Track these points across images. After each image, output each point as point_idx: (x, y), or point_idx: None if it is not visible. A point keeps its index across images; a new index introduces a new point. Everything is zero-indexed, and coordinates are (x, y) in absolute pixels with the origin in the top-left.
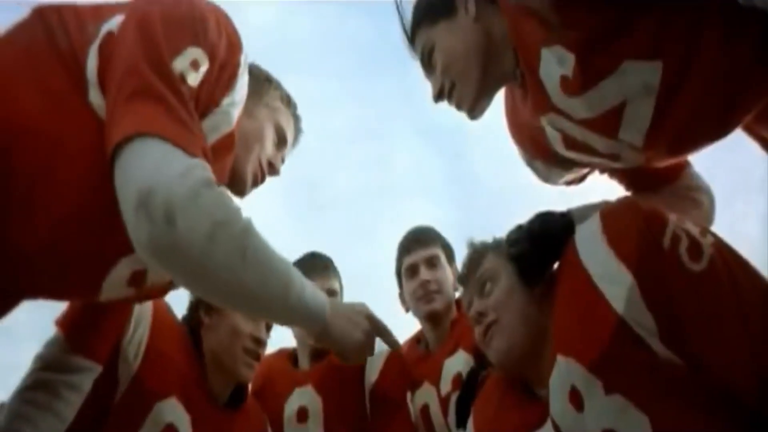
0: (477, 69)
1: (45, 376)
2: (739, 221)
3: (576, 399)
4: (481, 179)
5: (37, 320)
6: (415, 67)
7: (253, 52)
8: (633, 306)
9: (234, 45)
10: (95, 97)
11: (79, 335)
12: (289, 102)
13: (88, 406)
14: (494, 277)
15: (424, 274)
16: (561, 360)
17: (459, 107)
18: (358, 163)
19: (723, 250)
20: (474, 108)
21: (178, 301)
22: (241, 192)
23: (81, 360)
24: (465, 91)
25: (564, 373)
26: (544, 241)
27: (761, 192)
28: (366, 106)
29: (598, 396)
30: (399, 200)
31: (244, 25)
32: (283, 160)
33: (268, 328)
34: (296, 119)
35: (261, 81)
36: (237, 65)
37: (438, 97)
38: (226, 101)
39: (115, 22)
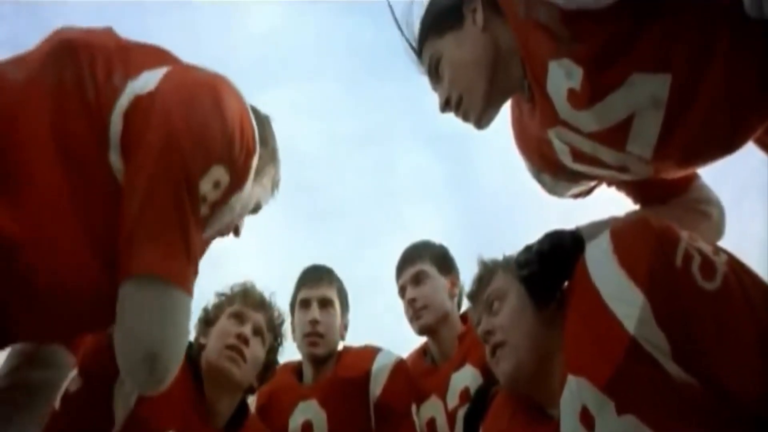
0: (484, 80)
1: (19, 375)
2: (747, 222)
3: (587, 419)
4: (486, 184)
5: None
6: (419, 73)
7: (256, 58)
8: (645, 325)
9: (250, 151)
10: (116, 161)
11: None
12: (277, 186)
13: None
14: (503, 296)
15: (410, 292)
16: (572, 380)
17: (466, 118)
18: (361, 169)
19: (737, 268)
20: (481, 119)
21: None
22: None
23: (55, 353)
24: (472, 102)
25: (575, 393)
26: (554, 263)
27: None
28: (369, 111)
29: (610, 416)
30: (403, 206)
31: (248, 30)
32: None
33: (258, 333)
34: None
35: (267, 160)
36: (249, 169)
37: (445, 107)
38: (234, 199)
39: (142, 84)
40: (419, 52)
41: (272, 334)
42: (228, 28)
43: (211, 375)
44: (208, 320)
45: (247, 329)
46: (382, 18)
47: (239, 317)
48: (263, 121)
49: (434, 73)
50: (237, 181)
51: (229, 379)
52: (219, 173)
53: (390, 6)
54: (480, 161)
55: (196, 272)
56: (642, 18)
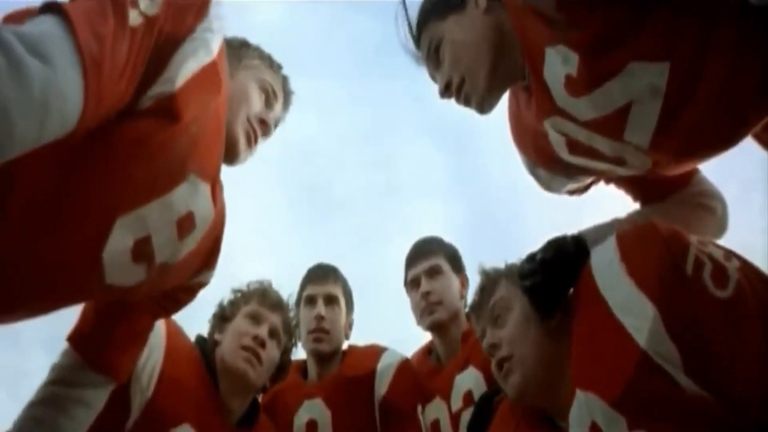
0: (487, 61)
1: (53, 390)
2: (755, 216)
3: None
4: (490, 178)
5: (43, 326)
6: (422, 67)
7: None
8: (656, 338)
9: None
10: None
11: (90, 349)
12: (271, 61)
13: None
14: (507, 306)
15: (424, 285)
16: (581, 395)
17: (467, 102)
18: (365, 164)
19: (750, 274)
20: (483, 102)
21: (188, 318)
22: (235, 156)
23: (92, 375)
24: (474, 84)
25: (584, 408)
26: (558, 272)
27: None
28: (372, 106)
29: None
30: (407, 201)
31: (250, 26)
32: (277, 122)
33: (275, 335)
34: (283, 79)
35: (236, 46)
36: (193, 6)
37: (445, 91)
38: (200, 27)
39: None
40: (418, 37)
41: (287, 334)
42: (229, 24)
43: (225, 374)
44: (223, 316)
45: (263, 331)
46: (385, 12)
47: (256, 318)
48: (247, 42)
49: (434, 57)
50: (179, 1)
51: (244, 380)
52: None
53: None
54: (485, 156)
55: (97, 64)
56: (640, 6)
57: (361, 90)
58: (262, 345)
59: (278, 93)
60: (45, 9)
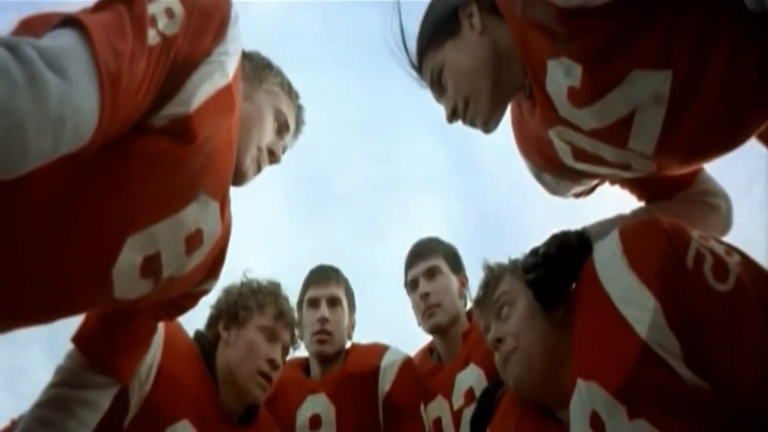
0: (488, 83)
1: (59, 392)
2: (755, 211)
3: (597, 424)
4: (491, 173)
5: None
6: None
7: (258, 45)
8: (657, 330)
9: (218, 7)
10: None
11: (95, 350)
12: (290, 89)
13: (98, 429)
14: (511, 300)
15: (423, 286)
16: (582, 384)
17: (473, 124)
18: (365, 158)
19: (750, 269)
20: (488, 122)
21: (188, 318)
22: (240, 179)
23: (97, 376)
24: (478, 106)
25: (585, 397)
26: (561, 266)
27: None
28: (372, 99)
29: (622, 421)
30: (407, 195)
31: (250, 18)
32: (284, 150)
33: (285, 353)
34: (298, 108)
35: (260, 67)
36: (226, 15)
37: (452, 116)
38: (217, 50)
39: None
40: (419, 66)
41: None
42: None
43: (230, 384)
44: (233, 316)
45: (278, 352)
46: (386, 6)
47: (271, 336)
48: (271, 64)
49: (437, 85)
50: (206, 19)
51: (252, 399)
52: (170, 2)
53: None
54: (486, 151)
55: (116, 84)
56: (640, 15)
57: (361, 83)
58: (277, 368)
59: (291, 124)
60: (64, 22)
